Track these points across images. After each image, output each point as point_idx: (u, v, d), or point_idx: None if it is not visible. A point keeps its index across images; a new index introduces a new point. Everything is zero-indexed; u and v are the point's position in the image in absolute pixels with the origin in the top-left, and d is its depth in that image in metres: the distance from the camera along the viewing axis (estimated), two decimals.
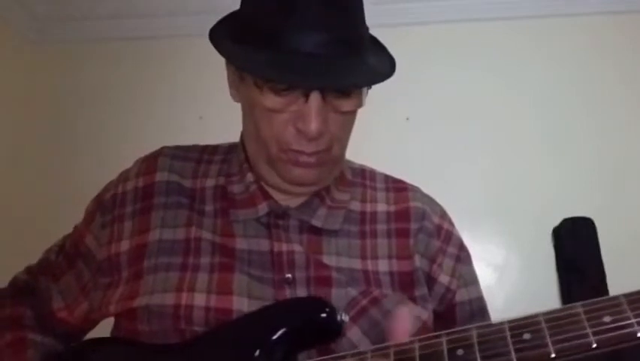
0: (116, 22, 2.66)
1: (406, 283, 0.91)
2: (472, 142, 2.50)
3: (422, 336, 0.69)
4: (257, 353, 0.76)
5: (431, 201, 1.02)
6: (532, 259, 2.38)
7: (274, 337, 0.77)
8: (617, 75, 2.52)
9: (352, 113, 0.90)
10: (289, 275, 0.87)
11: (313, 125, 0.82)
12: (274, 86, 0.82)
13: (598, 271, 2.29)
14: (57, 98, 2.65)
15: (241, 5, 0.91)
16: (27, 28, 2.68)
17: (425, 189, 1.04)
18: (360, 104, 0.89)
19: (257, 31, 0.84)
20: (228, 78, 0.93)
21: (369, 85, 0.88)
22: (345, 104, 0.86)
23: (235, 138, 1.02)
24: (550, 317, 0.63)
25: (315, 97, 0.82)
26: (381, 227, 0.95)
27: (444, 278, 0.95)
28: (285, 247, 0.89)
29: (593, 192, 2.40)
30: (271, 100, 0.83)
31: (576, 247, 2.33)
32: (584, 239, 2.34)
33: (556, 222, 2.38)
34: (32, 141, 2.60)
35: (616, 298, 0.62)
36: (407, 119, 2.56)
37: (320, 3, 0.82)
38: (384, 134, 2.39)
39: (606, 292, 2.23)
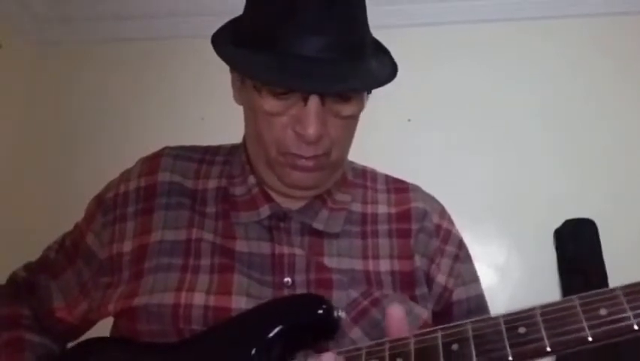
0: (118, 23, 2.66)
1: (407, 283, 0.91)
2: (474, 143, 2.49)
3: (417, 331, 0.69)
4: (253, 351, 0.76)
5: (432, 199, 1.02)
6: (533, 261, 2.36)
7: (270, 335, 0.76)
8: (622, 77, 2.51)
9: (353, 118, 0.89)
10: (288, 279, 0.87)
11: (311, 129, 0.81)
12: (273, 89, 0.82)
13: (599, 272, 2.27)
14: (58, 99, 2.65)
15: (244, 10, 0.90)
16: (28, 29, 2.69)
17: (427, 191, 1.04)
18: (360, 109, 0.88)
19: (257, 34, 0.84)
20: (232, 81, 0.93)
21: (367, 90, 0.87)
22: (345, 109, 0.85)
23: (237, 139, 1.02)
24: (546, 310, 0.62)
25: (313, 101, 0.81)
26: (382, 227, 0.95)
27: (441, 278, 0.95)
28: (286, 250, 0.89)
29: (595, 194, 2.39)
30: (270, 103, 0.83)
31: (578, 248, 2.32)
32: (585, 241, 2.33)
33: (558, 223, 2.36)
34: (33, 141, 2.60)
35: (613, 290, 0.62)
36: (409, 120, 2.55)
37: (321, 6, 0.81)
38: (386, 135, 2.39)
39: None
